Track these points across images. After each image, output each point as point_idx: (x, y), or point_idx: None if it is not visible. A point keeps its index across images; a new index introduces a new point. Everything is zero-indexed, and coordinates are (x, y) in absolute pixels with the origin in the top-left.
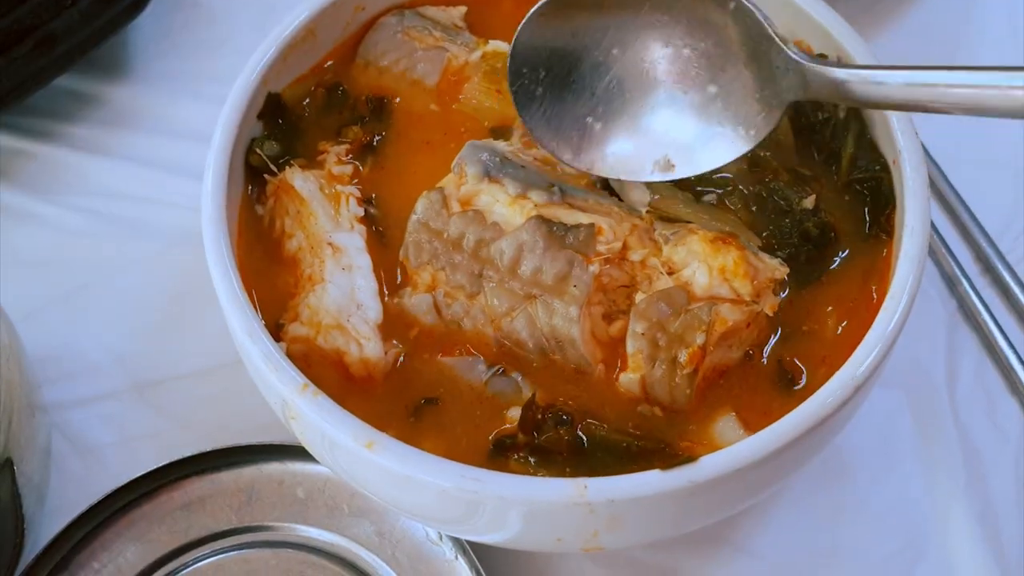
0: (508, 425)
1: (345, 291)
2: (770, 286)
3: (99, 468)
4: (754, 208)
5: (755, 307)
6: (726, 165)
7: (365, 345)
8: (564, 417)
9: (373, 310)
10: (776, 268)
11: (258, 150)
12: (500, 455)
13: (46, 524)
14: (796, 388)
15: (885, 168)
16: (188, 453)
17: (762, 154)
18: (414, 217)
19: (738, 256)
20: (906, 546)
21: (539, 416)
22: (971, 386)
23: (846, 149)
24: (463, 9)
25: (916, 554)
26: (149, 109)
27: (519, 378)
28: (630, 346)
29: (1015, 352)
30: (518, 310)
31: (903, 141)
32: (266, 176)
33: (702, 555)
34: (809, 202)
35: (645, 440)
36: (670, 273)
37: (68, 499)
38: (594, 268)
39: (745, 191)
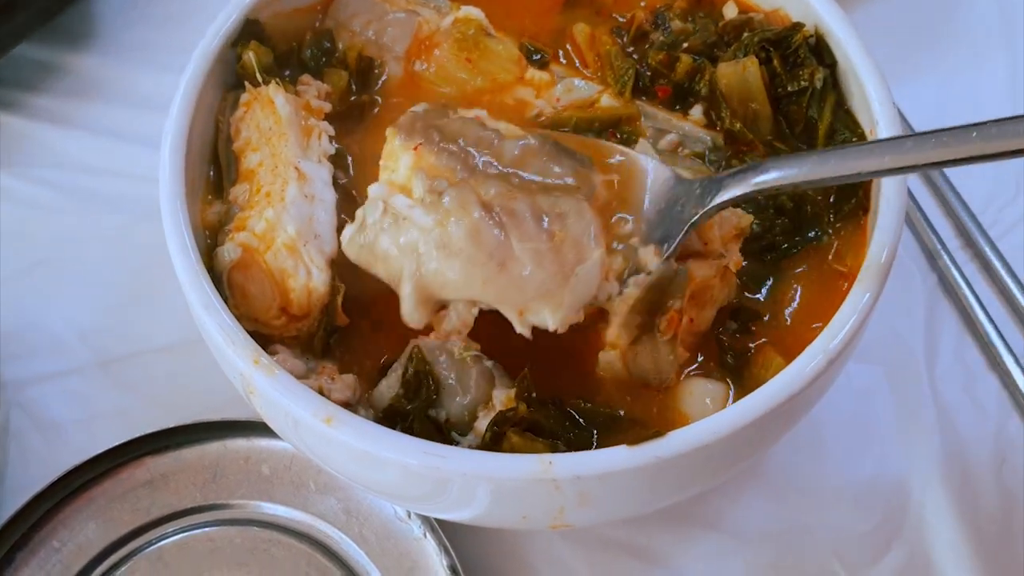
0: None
1: (304, 218)
2: (736, 238)
3: (60, 445)
4: None
5: (722, 260)
6: (702, 138)
7: (314, 274)
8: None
9: (329, 244)
10: (740, 215)
11: (253, 52)
12: (501, 434)
13: (6, 501)
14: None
15: (862, 138)
16: (151, 429)
17: (737, 127)
18: (416, 108)
19: None
20: (883, 522)
21: (533, 394)
22: (950, 361)
23: (823, 120)
24: None
25: (893, 530)
26: (115, 80)
27: (491, 364)
28: (615, 319)
29: (995, 327)
30: (517, 193)
31: (880, 110)
32: (246, 84)
33: (675, 533)
34: None
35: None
36: None
37: (29, 476)
38: (598, 178)
39: (720, 164)
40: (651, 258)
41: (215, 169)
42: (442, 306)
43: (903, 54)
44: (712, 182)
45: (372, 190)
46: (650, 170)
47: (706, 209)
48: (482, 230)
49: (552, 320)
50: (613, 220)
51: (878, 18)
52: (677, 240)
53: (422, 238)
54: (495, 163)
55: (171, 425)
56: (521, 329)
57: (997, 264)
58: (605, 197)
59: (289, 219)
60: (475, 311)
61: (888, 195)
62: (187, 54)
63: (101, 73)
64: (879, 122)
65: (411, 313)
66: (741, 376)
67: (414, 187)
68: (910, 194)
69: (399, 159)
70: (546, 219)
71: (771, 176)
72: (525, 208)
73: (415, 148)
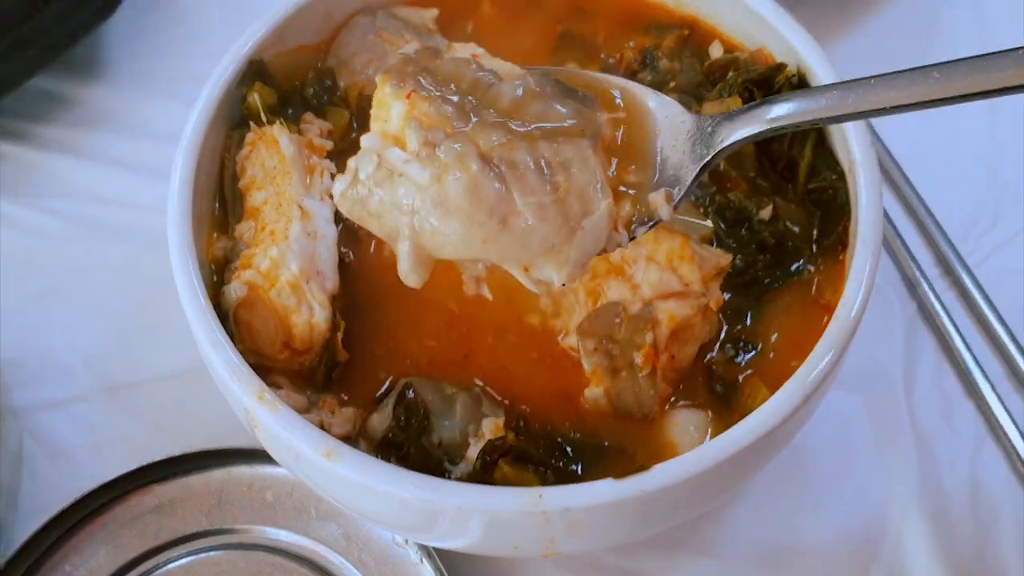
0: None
1: (307, 256)
2: (717, 276)
3: (70, 470)
4: (719, 219)
5: (702, 300)
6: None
7: (316, 311)
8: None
9: (331, 281)
10: (720, 255)
11: (258, 93)
12: (491, 463)
13: (18, 527)
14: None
15: (841, 177)
16: (159, 457)
17: (721, 166)
18: (407, 49)
19: (682, 241)
20: (861, 546)
21: (521, 423)
22: (928, 389)
23: (804, 158)
24: (435, 12)
25: (871, 554)
26: (122, 110)
27: (479, 390)
28: (587, 365)
29: (972, 354)
30: (517, 142)
31: (858, 151)
32: (251, 124)
33: (663, 557)
34: (766, 213)
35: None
36: (618, 276)
37: (40, 502)
38: (603, 117)
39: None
40: (661, 204)
41: (220, 204)
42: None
43: None
44: (724, 119)
45: (365, 141)
46: (658, 106)
47: (718, 150)
48: (481, 185)
49: (558, 276)
50: (620, 162)
51: (859, 52)
52: (688, 185)
53: (419, 195)
54: (493, 108)
55: (178, 453)
56: (528, 285)
57: (974, 292)
58: (611, 136)
59: (292, 257)
60: (481, 265)
61: (864, 234)
62: (192, 83)
63: (109, 104)
64: (857, 162)
65: (408, 273)
66: (729, 405)
67: (408, 139)
68: (891, 222)
69: (391, 108)
70: (549, 169)
71: (786, 109)
72: (527, 158)
73: (407, 96)
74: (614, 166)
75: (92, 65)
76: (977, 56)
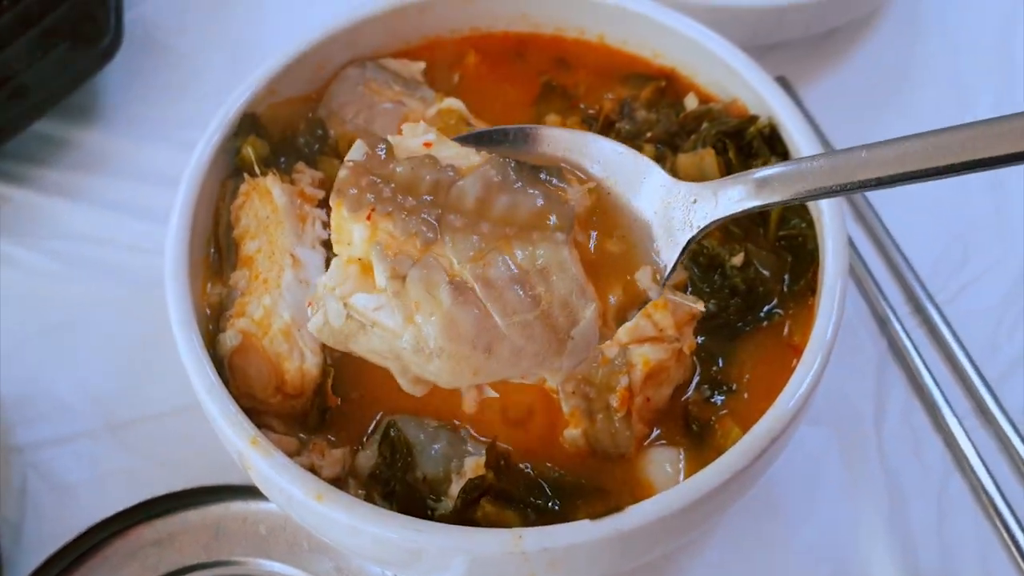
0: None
1: (298, 304)
2: (690, 322)
3: (73, 505)
4: (694, 264)
5: (676, 344)
6: None
7: (307, 357)
8: (522, 467)
9: None
10: (693, 302)
11: (251, 147)
12: (472, 501)
13: (23, 561)
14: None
15: (811, 224)
16: (158, 492)
17: None
18: (355, 154)
19: None
20: None
21: (502, 462)
22: (898, 424)
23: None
24: (422, 64)
25: None
26: (119, 153)
27: (466, 434)
28: (566, 407)
29: (940, 390)
30: (490, 253)
31: (825, 202)
32: (245, 175)
33: None
34: (738, 259)
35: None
36: None
37: (44, 535)
38: (575, 192)
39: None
40: (649, 284)
41: (216, 250)
42: None
43: (857, 133)
44: (709, 189)
45: (328, 279)
46: (634, 168)
47: (703, 227)
48: (458, 319)
49: (553, 380)
50: (600, 232)
51: (834, 93)
52: (674, 263)
53: (395, 341)
54: (458, 211)
55: (177, 489)
56: (526, 382)
57: (943, 330)
58: (586, 209)
59: (285, 306)
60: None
61: (830, 283)
62: (187, 127)
63: (106, 147)
64: (824, 212)
65: (411, 390)
66: (704, 444)
67: (375, 271)
68: (862, 260)
69: (351, 231)
70: (527, 281)
71: (774, 176)
72: (503, 272)
73: (368, 217)
74: (593, 238)
75: (90, 110)
76: (977, 122)
